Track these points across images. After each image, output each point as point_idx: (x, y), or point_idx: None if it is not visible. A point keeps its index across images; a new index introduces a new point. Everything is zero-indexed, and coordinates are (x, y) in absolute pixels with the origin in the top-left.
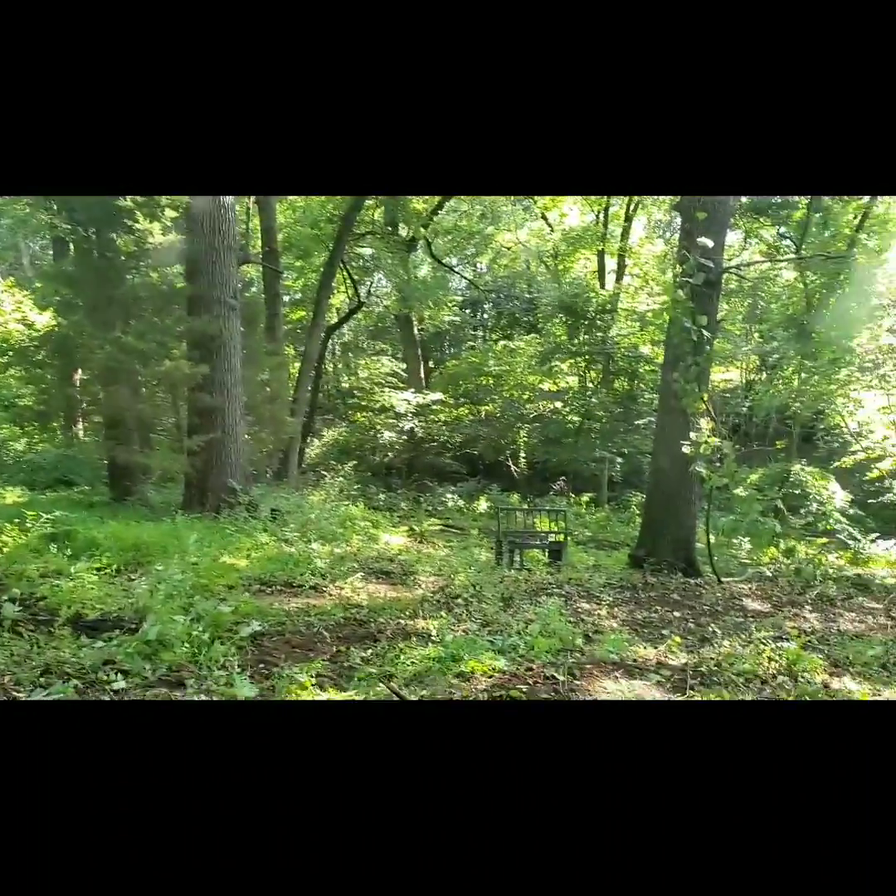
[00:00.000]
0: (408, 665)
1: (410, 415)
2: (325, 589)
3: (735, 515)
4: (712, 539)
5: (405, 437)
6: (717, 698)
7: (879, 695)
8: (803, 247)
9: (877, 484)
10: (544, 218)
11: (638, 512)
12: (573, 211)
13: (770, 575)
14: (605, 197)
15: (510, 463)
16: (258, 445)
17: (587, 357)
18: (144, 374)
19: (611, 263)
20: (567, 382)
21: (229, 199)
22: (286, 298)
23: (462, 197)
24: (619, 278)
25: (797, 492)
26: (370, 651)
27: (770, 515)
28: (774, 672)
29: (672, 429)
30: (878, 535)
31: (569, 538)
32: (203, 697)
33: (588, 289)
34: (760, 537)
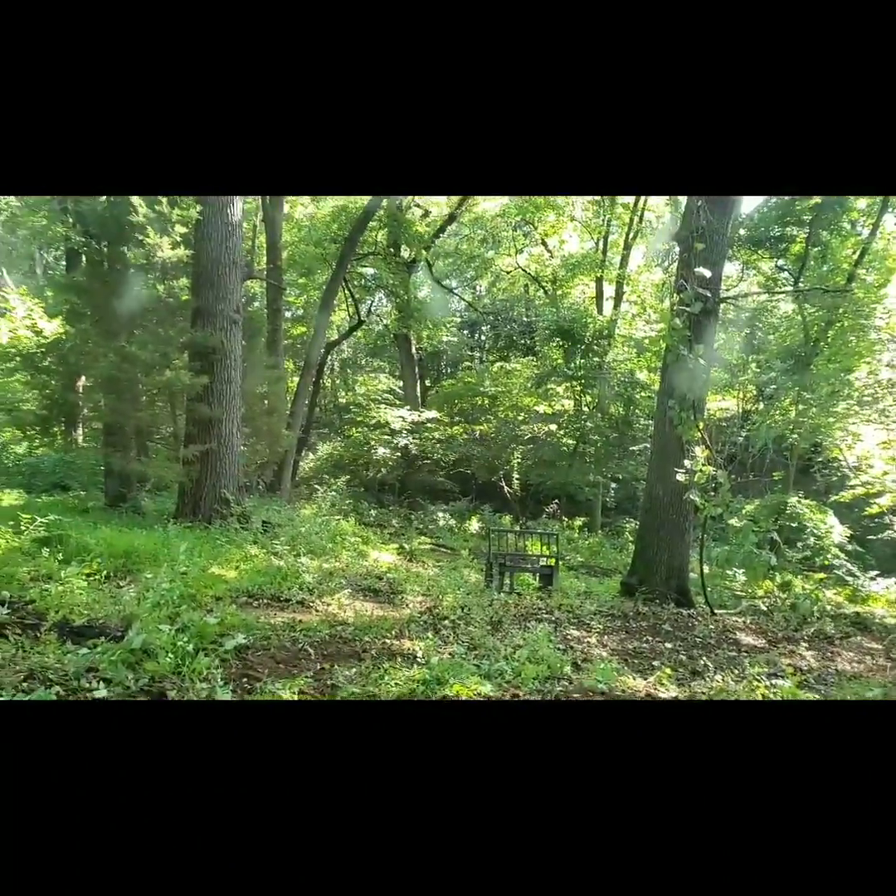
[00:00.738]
0: (392, 686)
1: (405, 432)
2: (312, 604)
3: (730, 546)
4: (706, 569)
5: (399, 454)
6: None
7: None
8: (801, 280)
9: (876, 520)
10: (544, 244)
11: (631, 539)
12: (573, 238)
13: (765, 609)
14: (605, 224)
15: (503, 484)
16: (253, 457)
17: (583, 381)
18: (145, 383)
19: (609, 290)
20: (562, 405)
21: (237, 216)
22: (288, 314)
23: (463, 221)
24: (616, 305)
25: (794, 524)
26: (354, 670)
27: (765, 547)
28: None
29: (667, 456)
30: (877, 572)
31: (560, 563)
32: None
33: (586, 314)
34: (755, 570)
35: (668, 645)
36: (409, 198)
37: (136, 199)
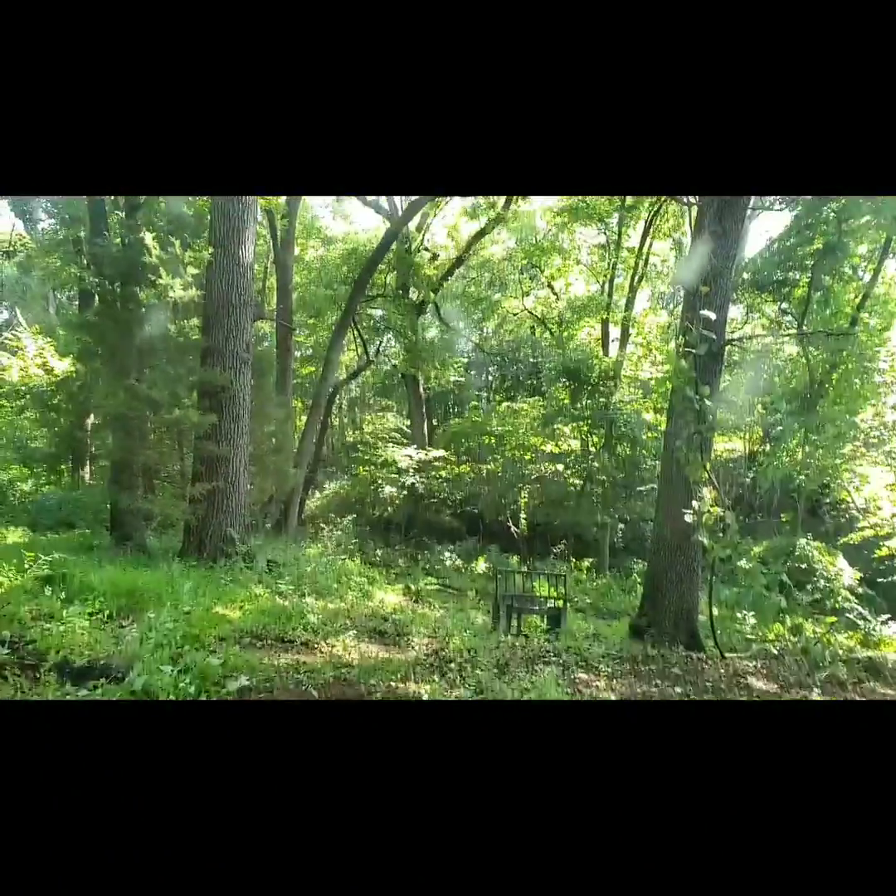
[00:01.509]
0: None
1: (412, 470)
2: (316, 645)
3: (739, 588)
4: (715, 612)
5: (406, 493)
6: None
7: None
8: (805, 323)
9: (885, 562)
10: (550, 286)
11: (639, 580)
12: (578, 281)
13: (776, 653)
14: (610, 268)
15: (510, 523)
16: (260, 495)
17: (589, 421)
18: (154, 421)
19: (614, 332)
20: (569, 445)
21: (248, 258)
22: (297, 354)
23: (470, 264)
24: (622, 346)
25: (803, 567)
26: None
27: (775, 590)
28: None
29: (674, 497)
30: (888, 616)
31: (568, 604)
32: None
33: (591, 355)
34: (765, 612)
35: (679, 689)
36: (418, 241)
37: (149, 240)
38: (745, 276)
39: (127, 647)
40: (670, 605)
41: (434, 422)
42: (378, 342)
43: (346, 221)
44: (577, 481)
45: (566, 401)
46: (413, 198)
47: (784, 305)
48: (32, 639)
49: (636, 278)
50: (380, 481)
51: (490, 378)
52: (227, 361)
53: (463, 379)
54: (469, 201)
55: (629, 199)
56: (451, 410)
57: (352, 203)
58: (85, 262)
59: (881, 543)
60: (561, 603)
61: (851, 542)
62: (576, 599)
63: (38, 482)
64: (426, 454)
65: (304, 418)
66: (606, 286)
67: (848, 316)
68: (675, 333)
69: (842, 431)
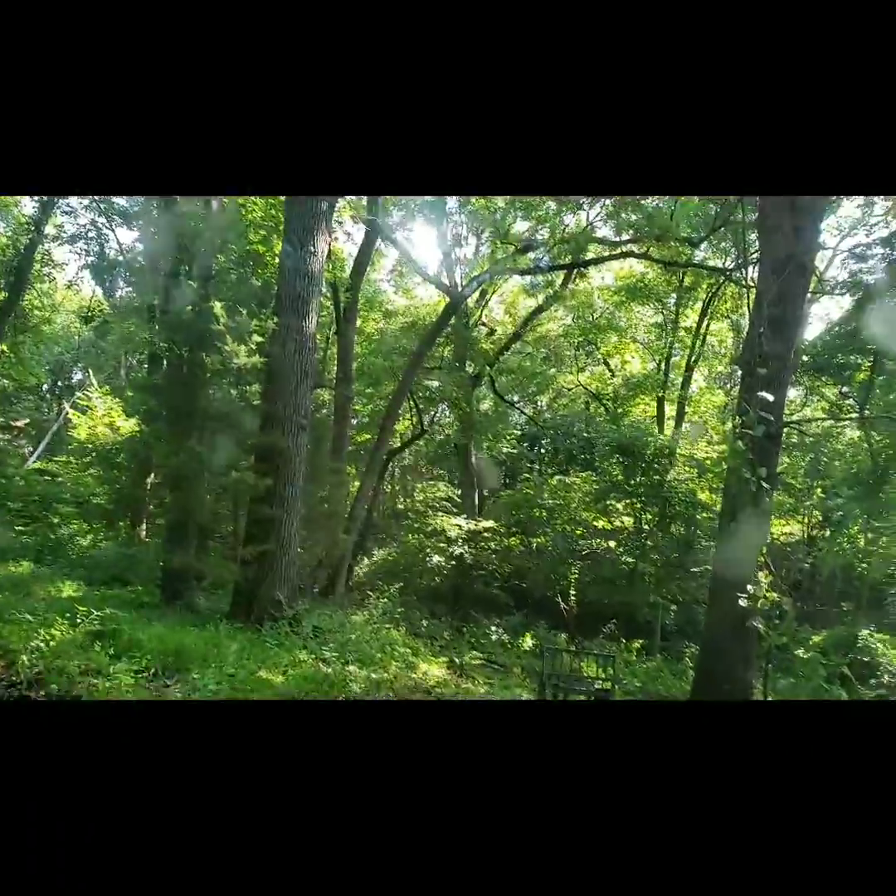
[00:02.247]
0: None
1: (461, 540)
2: None
3: (796, 679)
4: None
5: (454, 563)
6: None
7: None
8: (867, 407)
9: None
10: (606, 363)
11: (691, 664)
12: (635, 358)
13: None
14: (667, 347)
15: (559, 599)
16: (310, 560)
17: (643, 499)
18: (211, 483)
19: (670, 410)
20: (622, 522)
21: (311, 328)
22: (354, 421)
23: (527, 340)
24: (677, 424)
25: (866, 659)
26: None
27: (836, 683)
28: None
29: (729, 580)
30: None
31: (617, 687)
32: None
33: (646, 432)
34: None
35: None
36: (476, 316)
37: (218, 310)
38: (805, 358)
39: None
40: (723, 693)
41: (485, 492)
42: (432, 412)
43: (407, 296)
44: (629, 560)
45: (619, 477)
46: (474, 274)
47: (845, 389)
48: (79, 695)
49: (693, 358)
50: (428, 550)
51: (543, 451)
52: (285, 427)
53: (515, 451)
54: (528, 279)
55: (687, 280)
56: (503, 482)
57: (413, 278)
58: (156, 327)
59: None
60: (609, 685)
61: None
62: (625, 681)
63: (96, 537)
64: (476, 524)
65: (356, 484)
66: (663, 364)
67: None
68: (731, 413)
69: None
